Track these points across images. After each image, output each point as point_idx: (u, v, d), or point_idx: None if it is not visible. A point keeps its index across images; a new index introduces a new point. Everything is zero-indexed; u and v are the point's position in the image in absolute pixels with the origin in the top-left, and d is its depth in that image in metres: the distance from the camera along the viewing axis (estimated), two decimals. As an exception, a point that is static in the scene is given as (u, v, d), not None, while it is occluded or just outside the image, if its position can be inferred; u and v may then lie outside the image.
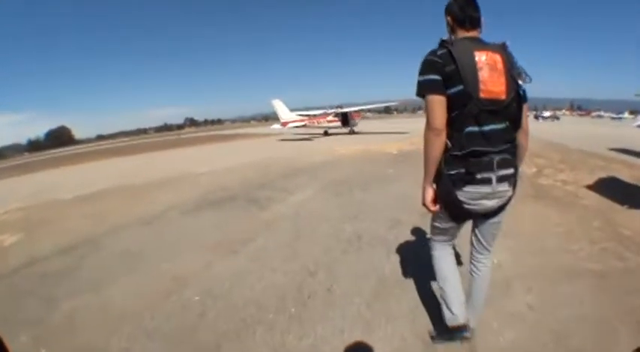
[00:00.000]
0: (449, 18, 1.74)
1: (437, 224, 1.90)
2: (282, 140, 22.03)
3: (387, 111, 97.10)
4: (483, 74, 1.56)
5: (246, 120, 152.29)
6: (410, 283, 2.69)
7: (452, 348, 1.94)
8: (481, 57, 1.58)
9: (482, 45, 1.65)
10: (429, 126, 1.61)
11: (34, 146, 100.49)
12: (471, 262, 1.98)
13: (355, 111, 25.00)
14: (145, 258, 3.63)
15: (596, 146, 11.07)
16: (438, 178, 1.69)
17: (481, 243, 1.90)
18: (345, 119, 24.02)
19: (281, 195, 6.00)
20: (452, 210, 1.75)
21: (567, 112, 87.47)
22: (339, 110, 24.31)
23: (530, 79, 1.69)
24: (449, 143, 1.63)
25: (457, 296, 1.90)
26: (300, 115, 25.57)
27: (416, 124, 32.45)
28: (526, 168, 6.75)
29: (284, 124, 24.49)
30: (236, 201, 5.85)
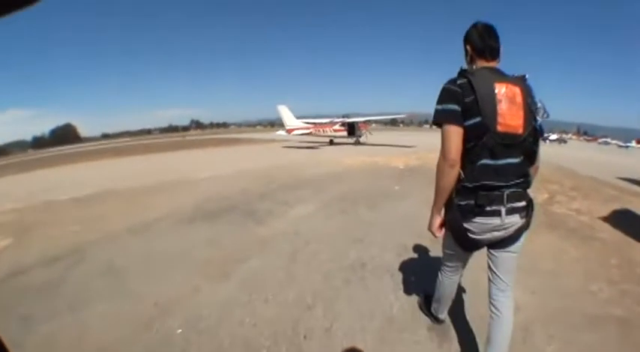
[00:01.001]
0: (468, 47, 1.73)
1: (447, 251, 1.96)
2: (287, 147, 21.84)
3: (393, 123, 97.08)
4: (502, 107, 1.54)
5: (252, 125, 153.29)
6: (420, 326, 2.39)
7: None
8: (501, 89, 1.56)
9: (502, 77, 1.63)
10: (444, 156, 1.60)
11: (38, 143, 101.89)
12: (490, 302, 1.85)
13: (363, 122, 24.81)
14: (129, 276, 3.34)
15: (605, 174, 10.86)
16: (448, 207, 1.71)
17: (498, 277, 1.82)
18: (352, 129, 23.82)
19: (281, 209, 5.67)
20: (460, 239, 1.75)
21: (574, 137, 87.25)
22: (346, 120, 24.14)
23: (548, 115, 1.68)
24: (462, 173, 1.62)
25: (446, 305, 2.26)
26: (307, 123, 25.31)
27: (422, 138, 32.63)
28: (537, 194, 6.47)
29: (289, 131, 24.17)
30: (233, 213, 5.52)
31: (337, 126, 23.96)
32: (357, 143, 23.39)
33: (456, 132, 1.57)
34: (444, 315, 2.33)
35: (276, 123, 31.56)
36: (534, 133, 1.63)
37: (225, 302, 2.72)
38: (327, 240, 4.16)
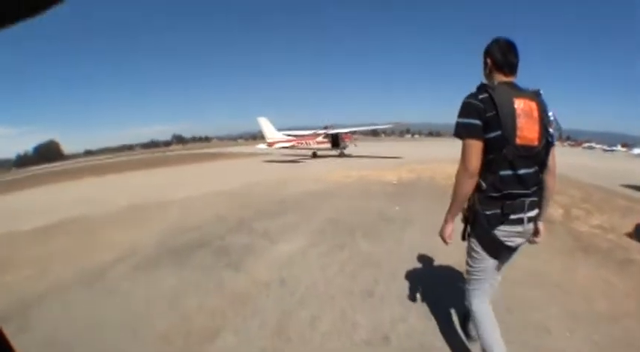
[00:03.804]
0: (488, 60, 1.83)
1: (475, 265, 1.95)
2: (269, 161, 21.14)
3: (375, 134, 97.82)
4: (521, 121, 1.67)
5: (233, 139, 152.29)
6: None
7: None
8: (520, 104, 1.69)
9: (520, 92, 1.76)
10: (464, 168, 1.72)
11: (22, 161, 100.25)
12: None
13: (346, 133, 24.46)
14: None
15: (606, 181, 10.84)
16: (473, 218, 1.83)
17: (495, 270, 2.01)
18: (336, 140, 23.45)
19: (261, 244, 4.78)
20: (490, 247, 1.84)
21: (557, 142, 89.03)
22: (329, 131, 23.74)
23: (561, 129, 1.88)
24: (483, 184, 1.74)
25: (499, 348, 1.87)
26: (288, 135, 24.74)
27: (407, 148, 32.58)
28: (551, 209, 6.06)
29: (270, 144, 23.45)
30: (203, 251, 4.61)
31: (320, 138, 23.53)
32: (342, 155, 23.11)
33: (476, 146, 1.70)
34: None
35: (258, 136, 30.92)
36: (547, 145, 1.79)
37: None
38: (325, 294, 3.24)
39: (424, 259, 3.99)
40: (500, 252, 1.87)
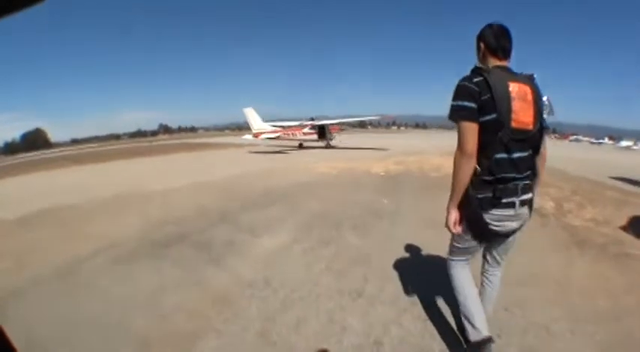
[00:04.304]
0: (482, 45, 1.86)
1: (459, 245, 2.01)
2: (255, 152, 20.83)
3: (362, 125, 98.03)
4: (516, 105, 1.70)
5: (220, 129, 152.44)
6: None
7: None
8: (514, 88, 1.72)
9: (514, 75, 1.79)
10: (461, 151, 1.74)
11: (10, 149, 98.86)
12: (482, 275, 2.17)
13: (333, 124, 24.45)
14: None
15: (596, 173, 10.91)
16: (465, 200, 1.81)
17: (495, 260, 2.10)
18: (322, 132, 23.35)
19: (244, 239, 4.54)
20: (477, 231, 1.88)
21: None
22: (316, 122, 23.72)
23: (554, 112, 2.02)
24: (478, 168, 1.76)
25: (478, 312, 1.99)
26: (275, 126, 24.52)
27: (393, 140, 32.62)
28: (543, 202, 6.15)
29: (256, 135, 23.12)
30: (184, 246, 4.36)
31: (307, 129, 23.51)
32: (328, 146, 23.10)
33: (472, 128, 1.71)
34: (484, 329, 1.96)
35: (244, 127, 30.52)
36: (541, 129, 1.82)
37: None
38: (311, 295, 3.02)
39: (417, 255, 3.83)
40: (487, 236, 1.91)
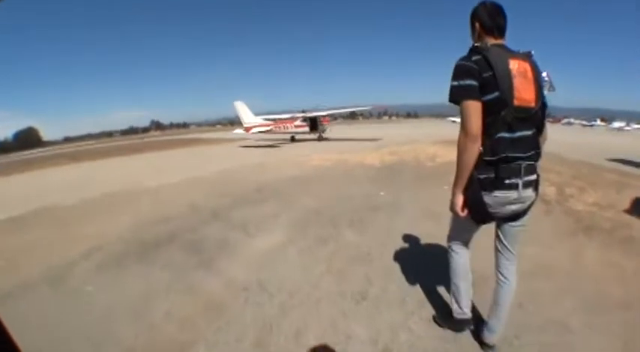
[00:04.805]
0: (477, 24, 1.82)
1: (458, 225, 2.07)
2: (246, 146, 20.70)
3: (353, 116, 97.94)
4: (517, 82, 1.65)
5: (212, 124, 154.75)
6: None
7: None
8: (514, 65, 1.67)
9: (513, 53, 1.75)
10: (465, 132, 1.68)
11: (2, 147, 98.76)
12: (497, 270, 2.05)
13: (324, 116, 24.24)
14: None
15: (592, 156, 10.98)
16: (467, 181, 1.77)
17: (506, 248, 2.00)
18: (314, 124, 23.18)
19: (237, 238, 4.37)
20: (476, 213, 1.82)
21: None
22: (307, 115, 23.50)
23: (554, 89, 2.05)
24: (480, 148, 1.69)
25: (467, 295, 2.16)
26: (266, 119, 24.22)
27: (385, 130, 32.58)
28: (543, 187, 5.89)
29: (247, 129, 22.90)
30: (174, 247, 4.17)
31: (298, 122, 23.34)
32: (321, 139, 22.95)
33: (475, 107, 1.66)
34: (468, 311, 2.19)
35: (236, 122, 30.35)
36: (542, 106, 1.78)
37: None
38: (310, 299, 2.82)
39: (419, 249, 3.69)
40: (486, 218, 1.86)
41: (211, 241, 4.30)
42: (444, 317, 2.32)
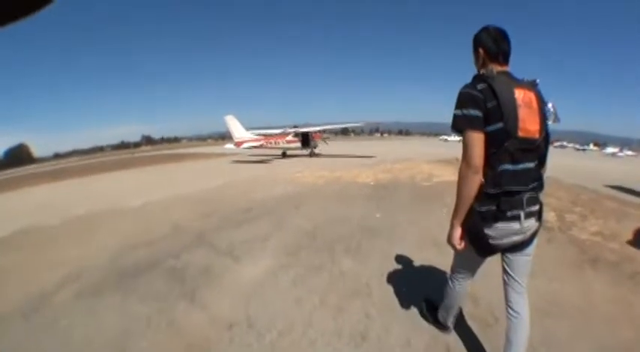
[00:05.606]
0: (481, 50, 1.80)
1: (461, 257, 2.04)
2: (236, 162, 20.56)
3: (345, 132, 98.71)
4: (522, 112, 1.64)
5: (202, 139, 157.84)
6: None
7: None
8: (520, 94, 1.66)
9: (518, 82, 1.73)
10: (467, 163, 1.67)
11: None
12: (507, 305, 1.99)
13: (316, 132, 24.29)
14: None
15: (589, 181, 10.92)
16: (467, 213, 1.75)
17: (514, 280, 1.95)
18: (306, 139, 23.19)
19: (224, 265, 4.07)
20: (478, 245, 1.81)
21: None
22: (299, 130, 23.54)
23: (559, 120, 1.93)
24: (481, 180, 1.68)
25: (455, 312, 2.32)
26: (257, 134, 24.18)
27: (378, 147, 32.67)
28: (544, 214, 5.85)
29: (238, 144, 22.75)
30: (154, 275, 3.92)
31: (290, 137, 23.32)
32: (312, 154, 22.93)
33: (479, 139, 1.64)
34: (451, 323, 2.38)
35: (227, 136, 30.36)
36: (546, 137, 1.78)
37: None
38: (304, 339, 2.59)
39: (421, 279, 3.49)
40: (488, 251, 1.85)
41: (195, 268, 4.05)
42: (429, 308, 2.61)
